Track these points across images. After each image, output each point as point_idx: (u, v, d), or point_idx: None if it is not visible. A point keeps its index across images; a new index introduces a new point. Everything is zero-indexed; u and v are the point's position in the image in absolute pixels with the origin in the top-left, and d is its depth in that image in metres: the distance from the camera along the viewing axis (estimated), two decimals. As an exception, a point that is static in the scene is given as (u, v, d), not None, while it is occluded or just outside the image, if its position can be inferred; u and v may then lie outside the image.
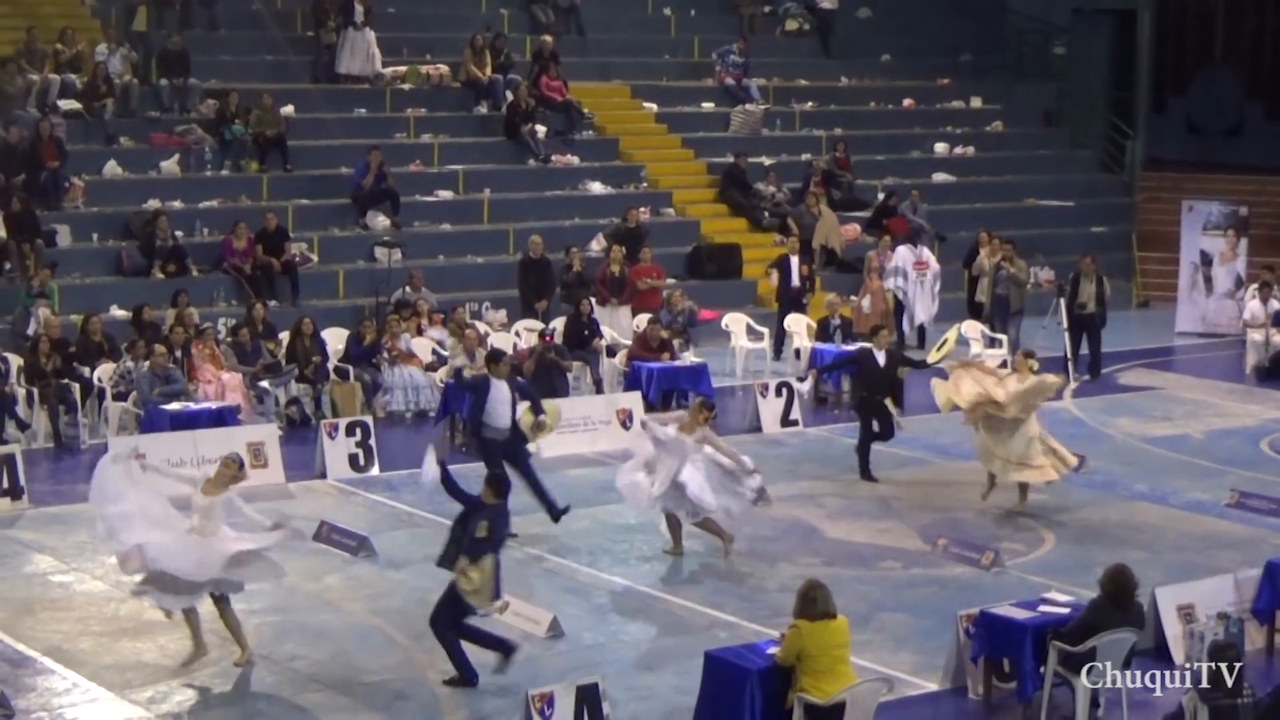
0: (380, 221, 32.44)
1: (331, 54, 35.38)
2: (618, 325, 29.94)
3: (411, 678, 16.17)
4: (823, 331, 29.02)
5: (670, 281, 32.38)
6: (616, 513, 21.08)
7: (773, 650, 14.26)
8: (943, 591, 18.77)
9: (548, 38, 36.87)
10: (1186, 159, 42.97)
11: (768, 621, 17.15)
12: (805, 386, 26.26)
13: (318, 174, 33.33)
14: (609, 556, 20.01)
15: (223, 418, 23.85)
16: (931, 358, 24.10)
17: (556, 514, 20.62)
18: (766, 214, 35.97)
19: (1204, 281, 35.86)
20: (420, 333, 28.21)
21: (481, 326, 28.56)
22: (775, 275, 31.69)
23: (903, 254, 32.50)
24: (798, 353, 29.95)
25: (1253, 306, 32.25)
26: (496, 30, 37.34)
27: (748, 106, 38.96)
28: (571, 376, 27.04)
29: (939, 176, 39.62)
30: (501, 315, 31.02)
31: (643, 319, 29.39)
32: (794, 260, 31.72)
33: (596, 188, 35.54)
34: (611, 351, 28.32)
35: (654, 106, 38.50)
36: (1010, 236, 33.09)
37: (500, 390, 20.59)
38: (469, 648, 15.88)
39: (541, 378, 25.89)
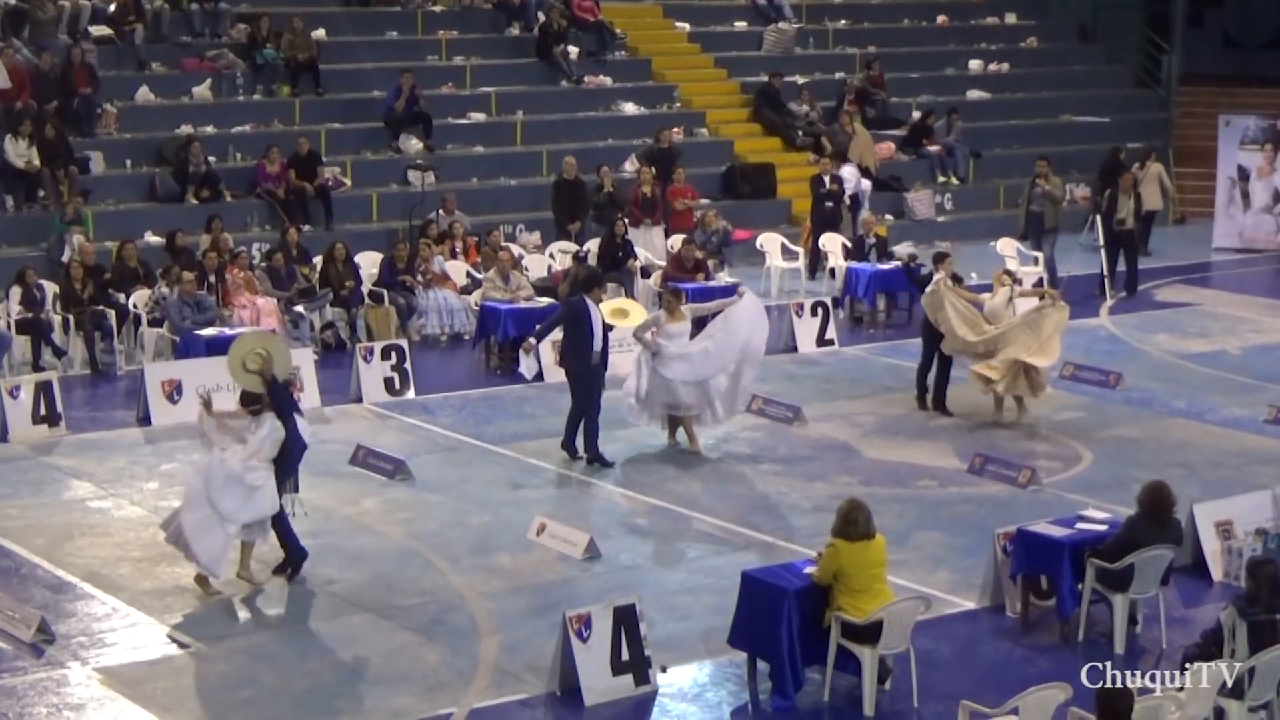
0: (413, 144, 32.38)
1: (362, -24, 35.34)
2: (651, 246, 29.89)
3: (449, 600, 16.22)
4: (858, 250, 28.95)
5: (704, 202, 32.31)
6: (652, 434, 21.07)
7: (810, 569, 14.26)
8: (980, 510, 18.75)
9: (580, -43, 36.72)
10: (1223, 73, 42.59)
11: (804, 541, 17.16)
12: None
13: (350, 98, 33.26)
14: (644, 478, 20.00)
15: (259, 342, 23.85)
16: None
17: (596, 457, 20.29)
18: (800, 133, 35.83)
19: (1241, 197, 35.59)
20: (454, 255, 28.19)
21: (515, 248, 28.51)
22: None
23: (849, 172, 32.53)
24: (833, 272, 29.88)
25: (1290, 221, 32.15)
26: (528, -50, 37.21)
27: (780, 25, 38.76)
28: (606, 298, 26.97)
29: (973, 93, 39.41)
30: (535, 237, 30.96)
31: (677, 240, 29.34)
32: (826, 179, 31.61)
33: (629, 108, 35.43)
34: (646, 272, 28.28)
35: (686, 26, 38.33)
36: (1045, 153, 32.91)
37: (597, 314, 20.25)
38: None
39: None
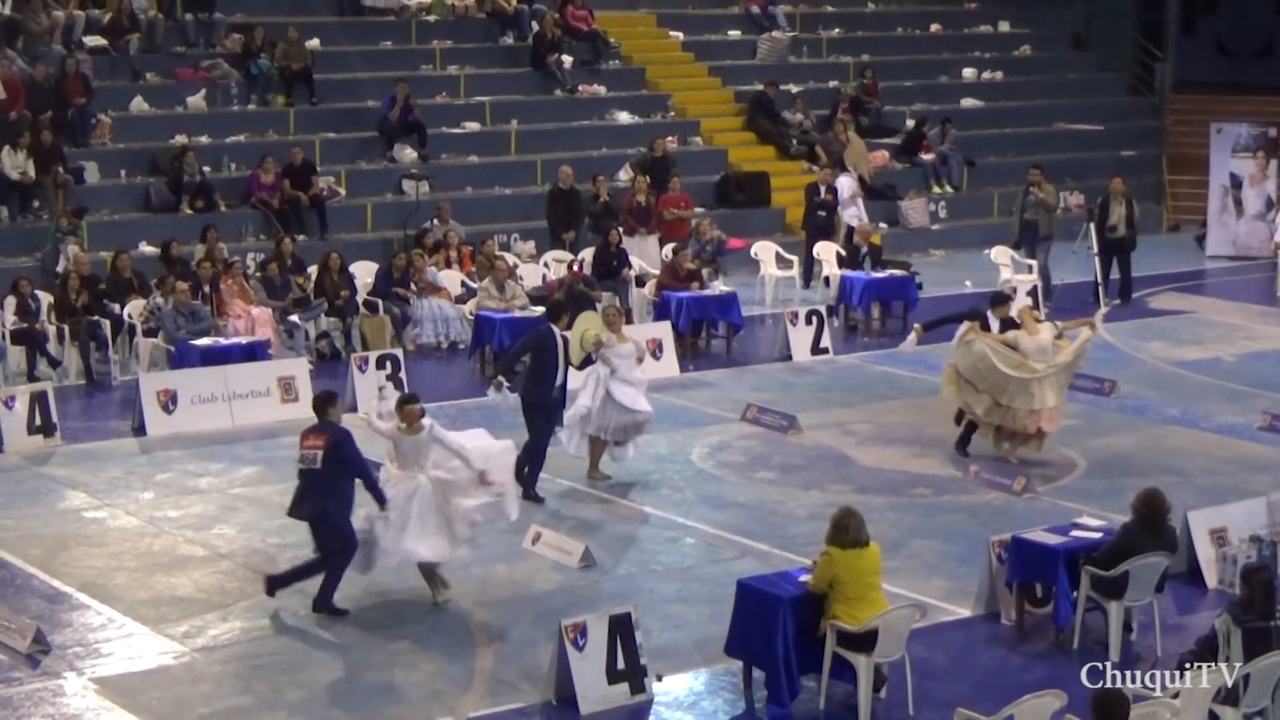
0: (407, 154, 32.40)
1: (356, -14, 35.36)
2: (646, 255, 29.88)
3: (444, 609, 16.19)
4: (852, 258, 28.97)
5: (699, 210, 32.32)
6: (647, 442, 21.00)
7: (805, 578, 14.27)
8: (975, 517, 18.77)
9: (573, -33, 36.72)
10: (1216, 80, 42.70)
11: (799, 549, 17.15)
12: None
13: (344, 107, 33.28)
14: (640, 486, 20.00)
15: (253, 352, 23.89)
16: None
17: (532, 493, 19.28)
18: (794, 142, 35.88)
19: (1234, 204, 35.67)
20: (449, 265, 28.22)
21: (510, 258, 28.53)
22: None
23: (846, 183, 32.59)
24: (827, 280, 29.89)
25: (1285, 229, 32.17)
26: (521, -40, 37.22)
27: (774, 34, 38.81)
28: (601, 307, 27.00)
29: (967, 102, 39.48)
30: (530, 246, 31.00)
31: (671, 249, 29.33)
32: (822, 188, 31.66)
33: (624, 117, 35.45)
34: (640, 281, 28.30)
35: (680, 35, 38.38)
36: (1039, 161, 32.95)
37: (562, 345, 19.40)
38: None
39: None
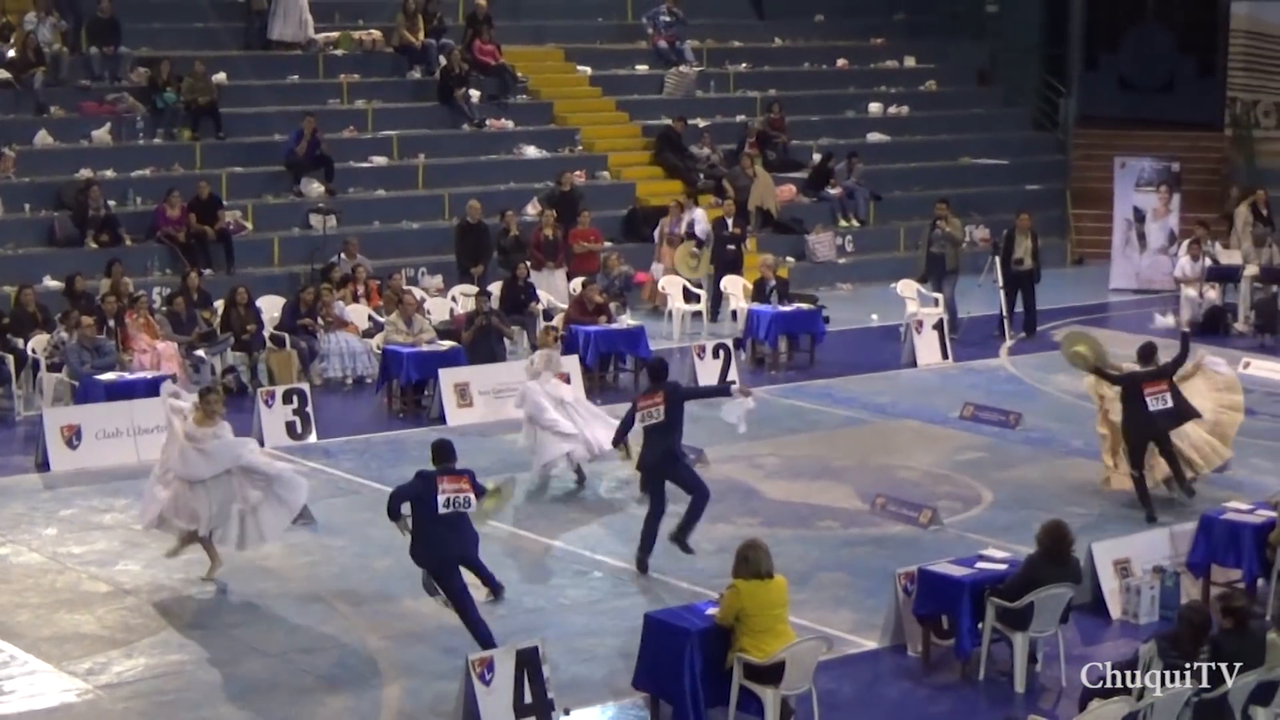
0: (314, 188, 32.28)
1: (263, 20, 35.15)
2: (553, 289, 29.92)
3: (351, 645, 16.15)
4: (759, 292, 29.07)
5: (607, 245, 32.34)
6: (556, 477, 21.06)
7: (712, 611, 14.31)
8: (881, 550, 18.84)
9: (481, 0, 36.67)
10: (1119, 115, 43.06)
11: (706, 582, 17.17)
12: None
13: (251, 141, 33.14)
14: (546, 520, 19.99)
15: (158, 387, 23.64)
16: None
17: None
18: (702, 176, 35.95)
19: (1137, 238, 36.00)
20: (356, 299, 28.15)
21: (417, 292, 28.49)
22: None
23: (701, 216, 32.71)
24: (734, 314, 29.99)
25: (1184, 263, 32.37)
26: (429, -6, 37.19)
27: (681, 69, 38.91)
28: (509, 342, 27.01)
29: (874, 136, 39.68)
30: (438, 280, 30.95)
31: (579, 282, 29.37)
32: (730, 222, 31.78)
33: (531, 152, 35.44)
34: (548, 315, 28.28)
35: (588, 70, 38.42)
36: (945, 195, 33.16)
37: None
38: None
39: (481, 344, 25.90)
